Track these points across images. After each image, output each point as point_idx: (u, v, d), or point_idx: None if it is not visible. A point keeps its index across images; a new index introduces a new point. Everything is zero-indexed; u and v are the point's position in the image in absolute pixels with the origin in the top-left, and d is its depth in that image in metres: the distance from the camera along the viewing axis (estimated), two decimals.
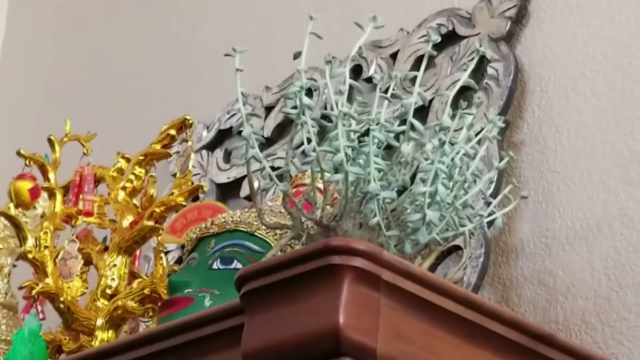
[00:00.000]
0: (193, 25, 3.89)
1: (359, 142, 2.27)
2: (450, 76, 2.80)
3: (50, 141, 2.89)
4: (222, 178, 3.20)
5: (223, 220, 2.64)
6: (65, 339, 2.72)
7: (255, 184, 2.56)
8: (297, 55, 2.37)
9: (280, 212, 2.51)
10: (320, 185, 2.29)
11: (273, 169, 2.45)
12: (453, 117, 2.37)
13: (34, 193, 2.87)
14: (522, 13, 2.82)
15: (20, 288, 2.85)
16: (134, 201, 2.83)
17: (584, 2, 2.82)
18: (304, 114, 2.28)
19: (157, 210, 2.74)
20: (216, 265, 2.54)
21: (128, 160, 2.87)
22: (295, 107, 2.29)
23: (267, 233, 2.56)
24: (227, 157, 3.23)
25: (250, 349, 2.05)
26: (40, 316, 2.85)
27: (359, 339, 1.95)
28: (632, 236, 2.55)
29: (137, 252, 2.85)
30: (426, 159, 2.27)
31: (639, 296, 2.47)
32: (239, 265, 2.41)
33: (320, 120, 2.31)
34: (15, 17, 4.87)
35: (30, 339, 2.68)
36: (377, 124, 2.24)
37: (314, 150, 2.24)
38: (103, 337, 2.65)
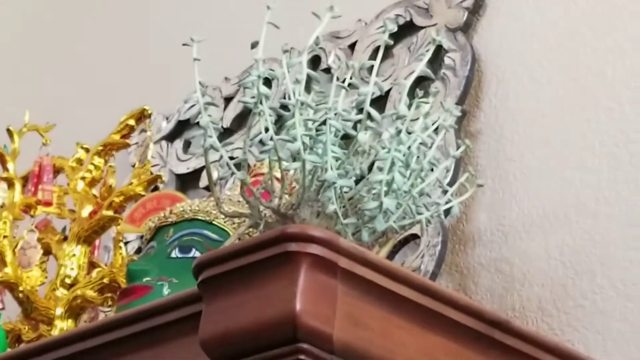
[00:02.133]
0: (152, 16, 3.89)
1: (317, 131, 2.28)
2: (407, 66, 2.81)
3: (9, 131, 2.90)
4: (182, 168, 3.22)
5: (182, 209, 2.65)
6: (25, 328, 2.73)
7: (214, 174, 2.55)
8: (254, 45, 2.37)
9: (239, 201, 2.51)
10: (278, 174, 2.28)
11: (231, 158, 2.49)
12: (410, 106, 2.38)
13: None
14: (478, 3, 2.83)
15: None
16: (93, 191, 2.83)
17: None
18: (261, 103, 2.28)
19: (116, 200, 2.76)
20: (174, 253, 2.55)
21: (87, 150, 2.88)
22: (253, 97, 2.30)
23: (225, 222, 2.57)
24: (187, 147, 3.25)
25: (208, 337, 2.06)
26: (0, 306, 2.86)
27: (316, 326, 1.96)
28: (587, 224, 2.57)
29: (97, 241, 2.85)
30: (383, 148, 2.30)
31: (594, 283, 2.49)
32: (197, 254, 2.43)
33: (278, 109, 2.35)
34: None
35: None
36: (334, 113, 2.26)
37: (272, 139, 2.25)
38: (62, 326, 2.65)
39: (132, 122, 2.87)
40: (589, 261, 2.52)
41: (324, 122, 2.27)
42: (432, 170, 2.39)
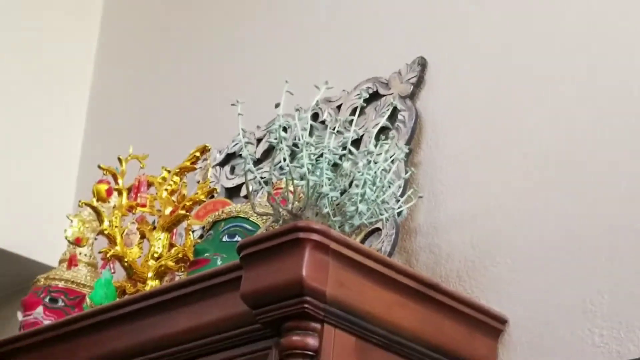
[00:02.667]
0: (213, 78, 3.75)
1: (316, 161, 2.28)
2: (374, 120, 2.78)
3: (119, 159, 2.89)
4: (229, 184, 3.17)
5: (229, 210, 2.68)
6: (128, 285, 2.72)
7: (250, 188, 2.48)
8: (277, 105, 2.38)
9: (266, 205, 2.48)
10: (291, 189, 2.29)
11: (262, 178, 2.48)
12: (376, 145, 2.40)
13: (109, 192, 2.85)
14: (420, 80, 2.80)
15: (100, 252, 2.83)
16: (173, 198, 2.81)
17: (461, 75, 2.78)
18: (281, 142, 2.30)
19: (187, 204, 2.75)
20: (225, 238, 2.57)
21: (169, 171, 2.86)
22: (276, 139, 2.31)
23: (257, 218, 2.57)
24: (232, 171, 3.20)
25: (246, 292, 2.12)
26: (112, 271, 2.87)
27: (315, 285, 1.99)
28: (488, 223, 2.54)
29: (175, 230, 2.83)
30: (359, 172, 2.30)
31: (493, 260, 2.47)
32: (239, 239, 2.40)
33: (292, 147, 2.31)
34: (99, 62, 4.54)
35: (105, 284, 2.72)
36: (327, 150, 2.28)
37: (287, 165, 2.27)
38: (152, 285, 2.67)
39: (198, 154, 2.86)
40: (489, 246, 2.50)
41: (321, 155, 2.27)
42: (389, 187, 2.39)
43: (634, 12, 2.46)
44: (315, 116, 2.72)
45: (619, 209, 2.33)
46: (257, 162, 3.02)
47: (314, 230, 2.03)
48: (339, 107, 2.92)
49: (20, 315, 2.88)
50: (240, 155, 3.05)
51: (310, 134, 2.34)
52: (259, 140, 3.12)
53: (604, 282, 2.28)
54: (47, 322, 2.77)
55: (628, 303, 2.20)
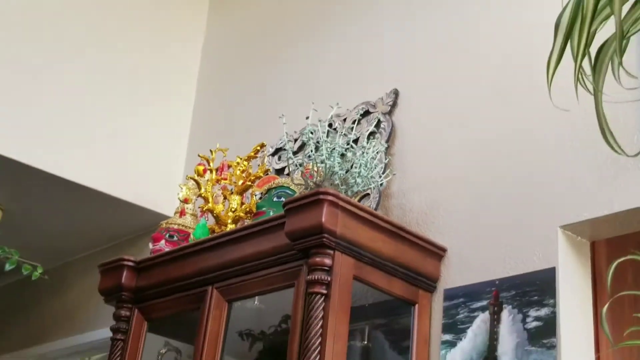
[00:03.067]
0: (271, 97, 3.60)
1: (331, 152, 2.37)
2: (366, 128, 2.77)
3: (210, 151, 2.91)
4: (277, 166, 3.11)
5: (278, 181, 2.72)
6: (216, 228, 2.75)
7: (290, 169, 2.63)
8: (307, 118, 2.53)
9: (300, 179, 2.58)
10: (315, 169, 2.38)
11: (297, 163, 2.63)
12: (367, 143, 2.49)
13: (204, 171, 2.87)
14: (395, 103, 2.81)
15: (199, 207, 2.88)
16: (243, 175, 2.83)
17: (421, 99, 2.79)
18: (309, 141, 2.42)
19: (252, 178, 2.80)
20: (275, 199, 2.61)
21: (241, 158, 2.88)
22: (306, 138, 2.43)
23: (294, 187, 2.61)
24: (279, 158, 3.13)
25: (288, 231, 2.20)
26: (206, 219, 2.88)
27: (329, 227, 2.11)
28: (435, 189, 2.57)
29: (244, 194, 2.82)
30: (356, 159, 2.40)
31: (438, 212, 2.52)
32: (284, 199, 2.45)
33: (316, 143, 2.40)
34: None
35: (202, 227, 2.79)
36: (338, 145, 2.38)
37: (313, 155, 2.38)
38: (231, 227, 2.68)
39: (258, 147, 2.89)
40: (435, 203, 2.54)
41: (334, 149, 2.37)
42: (375, 168, 2.48)
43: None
44: (330, 125, 2.73)
45: (516, 178, 2.36)
46: (294, 153, 2.96)
47: (329, 194, 2.15)
48: (344, 119, 2.92)
49: (150, 245, 2.88)
50: (284, 148, 3.08)
51: (327, 136, 2.44)
52: (296, 140, 3.06)
53: (506, 221, 2.32)
54: (167, 249, 2.80)
55: (523, 232, 2.25)
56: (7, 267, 2.23)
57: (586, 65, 1.08)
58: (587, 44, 1.04)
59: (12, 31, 3.50)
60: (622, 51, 1.11)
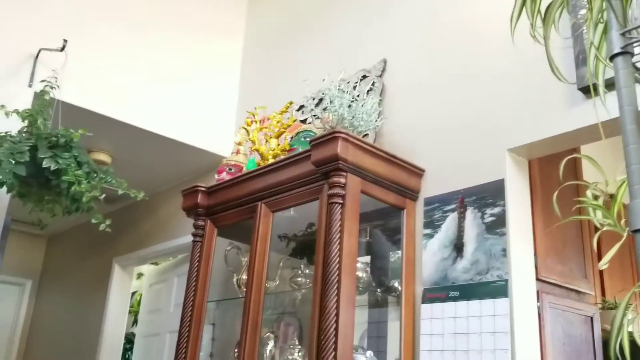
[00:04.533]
0: (299, 61, 3.34)
1: (341, 104, 2.30)
2: (365, 87, 2.68)
3: (255, 108, 2.85)
4: (301, 118, 3.01)
5: (304, 127, 2.63)
6: (261, 162, 2.68)
7: (311, 119, 2.51)
8: (323, 80, 2.47)
9: (319, 124, 2.47)
10: (331, 117, 2.32)
11: (315, 115, 2.55)
12: (366, 97, 2.44)
13: (251, 122, 2.82)
14: (384, 69, 2.72)
15: (249, 148, 2.84)
16: (278, 124, 2.76)
17: (404, 65, 2.66)
18: (325, 97, 2.33)
19: (285, 126, 2.74)
20: (302, 139, 2.53)
21: (276, 113, 2.81)
22: (323, 94, 2.35)
23: (316, 130, 2.53)
24: (302, 112, 3.03)
25: (313, 160, 2.12)
26: (255, 157, 2.87)
27: (343, 156, 2.05)
28: (415, 128, 2.46)
29: (280, 137, 2.74)
30: (359, 109, 2.34)
31: (419, 143, 2.43)
32: (309, 138, 2.36)
33: (330, 98, 2.34)
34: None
35: (252, 161, 2.76)
36: (345, 100, 2.31)
37: (328, 107, 2.31)
38: (271, 161, 2.59)
39: (288, 104, 2.84)
40: (415, 137, 2.47)
41: (342, 102, 2.31)
42: (372, 114, 2.41)
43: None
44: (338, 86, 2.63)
45: (475, 113, 2.27)
46: (316, 105, 2.89)
47: (342, 132, 2.10)
48: (348, 82, 2.78)
49: (215, 176, 2.82)
50: (305, 105, 3.01)
51: (338, 93, 2.40)
52: (314, 98, 2.95)
53: (468, 146, 2.24)
54: (227, 178, 2.75)
55: (480, 154, 2.19)
56: (120, 192, 2.22)
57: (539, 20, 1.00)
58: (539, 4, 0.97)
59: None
60: (561, 12, 1.02)
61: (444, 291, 2.12)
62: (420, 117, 2.52)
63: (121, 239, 4.55)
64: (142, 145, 3.48)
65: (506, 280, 1.95)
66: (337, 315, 1.92)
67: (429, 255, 2.23)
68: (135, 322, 5.24)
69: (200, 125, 3.53)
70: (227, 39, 3.85)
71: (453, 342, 2.01)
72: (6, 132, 2.31)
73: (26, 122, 2.36)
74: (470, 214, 2.14)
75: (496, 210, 2.07)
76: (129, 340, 4.88)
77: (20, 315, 5.49)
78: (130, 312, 5.01)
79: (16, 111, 2.43)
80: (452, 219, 2.21)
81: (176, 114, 3.44)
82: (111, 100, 3.10)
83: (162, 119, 3.35)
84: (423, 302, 2.17)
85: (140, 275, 5.25)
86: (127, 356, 4.87)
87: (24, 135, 2.29)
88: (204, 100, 3.59)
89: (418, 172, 2.40)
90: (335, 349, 1.87)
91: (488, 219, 2.08)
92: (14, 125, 2.51)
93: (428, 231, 2.28)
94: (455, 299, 2.06)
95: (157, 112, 3.34)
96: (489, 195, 2.11)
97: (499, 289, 1.95)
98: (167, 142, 3.42)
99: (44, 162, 2.15)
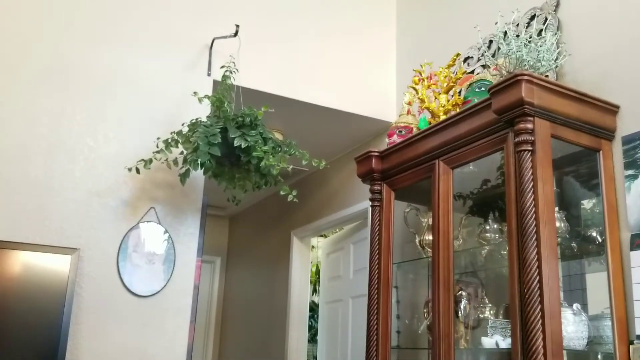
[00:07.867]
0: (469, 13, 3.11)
1: (517, 46, 2.18)
2: (536, 26, 2.47)
3: (421, 65, 2.79)
4: (468, 70, 2.87)
5: (477, 77, 2.49)
6: (432, 120, 2.65)
7: (483, 68, 2.45)
8: (496, 23, 2.34)
9: (493, 72, 2.40)
10: (508, 61, 2.21)
11: (484, 64, 2.43)
12: (543, 33, 2.24)
13: (419, 80, 2.77)
14: (558, 3, 2.52)
15: (419, 106, 2.77)
16: (446, 79, 2.71)
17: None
18: (500, 40, 2.23)
19: (454, 80, 2.68)
20: (476, 90, 2.42)
21: (442, 68, 2.76)
22: (497, 38, 2.24)
23: (492, 77, 2.40)
24: (468, 65, 2.88)
25: (495, 108, 2.05)
26: (427, 114, 2.76)
27: (528, 100, 1.95)
28: (599, 63, 2.26)
29: (449, 92, 2.69)
30: (540, 46, 2.19)
31: (613, 79, 2.24)
32: (484, 89, 2.30)
33: (501, 44, 2.22)
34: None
35: (423, 120, 2.68)
36: (520, 41, 2.18)
37: (504, 51, 2.20)
38: (443, 117, 2.56)
39: (455, 56, 2.77)
40: (604, 73, 2.24)
41: (520, 43, 2.18)
42: (552, 53, 2.24)
43: None
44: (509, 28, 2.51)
45: None
46: (485, 53, 2.73)
47: (525, 74, 1.97)
48: (517, 25, 2.60)
49: (387, 140, 2.79)
50: (470, 56, 2.90)
51: (512, 35, 2.28)
52: (485, 45, 2.78)
53: None
54: (399, 140, 2.71)
55: None
56: (303, 162, 2.31)
57: None
58: None
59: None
60: None
61: None
62: (609, 50, 2.30)
63: (296, 212, 4.73)
64: (308, 119, 3.54)
65: None
66: (539, 267, 1.84)
67: (634, 198, 2.04)
68: (314, 291, 5.48)
69: (363, 95, 3.53)
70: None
71: None
72: (196, 119, 2.48)
73: (214, 107, 2.52)
74: None
75: None
76: (310, 308, 5.10)
77: (214, 289, 6.04)
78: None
79: (206, 96, 2.58)
80: None
81: (337, 84, 3.47)
82: (278, 80, 3.21)
83: (324, 91, 3.40)
84: (632, 249, 2.00)
85: (312, 248, 5.46)
86: (310, 323, 5.11)
87: (213, 119, 2.44)
88: (361, 67, 3.58)
89: (612, 109, 2.19)
90: (541, 302, 1.80)
91: None
92: (202, 112, 2.67)
93: (631, 172, 2.08)
94: None
95: (319, 86, 3.39)
96: None
97: None
98: (331, 113, 3.47)
99: (235, 142, 2.27)
